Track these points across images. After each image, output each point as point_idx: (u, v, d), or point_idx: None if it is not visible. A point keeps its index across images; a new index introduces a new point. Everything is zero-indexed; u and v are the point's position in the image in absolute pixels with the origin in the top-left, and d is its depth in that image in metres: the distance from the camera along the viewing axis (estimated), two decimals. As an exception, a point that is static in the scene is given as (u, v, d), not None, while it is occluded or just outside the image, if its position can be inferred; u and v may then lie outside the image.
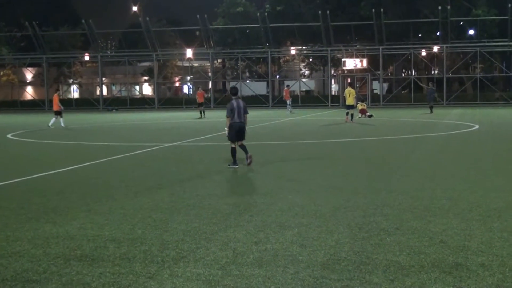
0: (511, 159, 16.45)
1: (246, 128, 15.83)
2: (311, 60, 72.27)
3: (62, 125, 34.63)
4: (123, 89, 76.44)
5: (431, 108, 43.63)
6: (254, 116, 43.82)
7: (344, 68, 61.89)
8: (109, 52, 77.89)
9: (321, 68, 72.33)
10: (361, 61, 59.88)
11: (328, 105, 60.33)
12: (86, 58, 71.54)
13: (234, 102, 15.47)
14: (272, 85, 67.05)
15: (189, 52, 64.86)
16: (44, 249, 7.70)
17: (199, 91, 45.79)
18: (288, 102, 48.89)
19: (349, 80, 50.08)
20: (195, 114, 46.50)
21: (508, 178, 13.05)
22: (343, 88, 62.20)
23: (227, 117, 15.61)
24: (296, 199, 10.77)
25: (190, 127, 33.16)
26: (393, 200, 10.48)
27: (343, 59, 61.78)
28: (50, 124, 34.97)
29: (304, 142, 22.62)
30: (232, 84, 69.79)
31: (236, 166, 15.47)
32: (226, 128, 15.88)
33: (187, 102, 66.32)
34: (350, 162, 16.57)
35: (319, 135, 25.64)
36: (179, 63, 73.06)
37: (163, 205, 10.54)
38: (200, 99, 43.98)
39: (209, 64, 69.38)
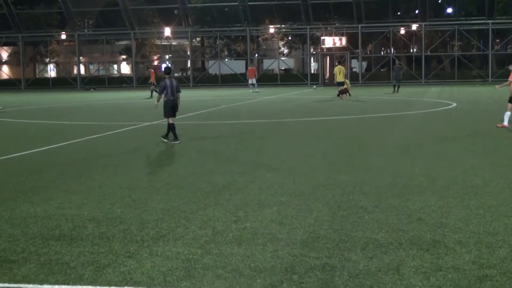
0: (487, 137, 16.59)
1: (179, 106, 16.64)
2: (290, 38, 72.03)
3: None
4: (101, 68, 75.79)
5: (397, 87, 41.17)
6: (233, 94, 43.72)
7: (323, 46, 61.77)
8: (86, 30, 76.98)
9: (300, 46, 72.13)
10: (340, 40, 59.81)
11: (307, 84, 60.29)
12: (63, 36, 70.58)
13: (167, 81, 16.30)
14: (251, 64, 66.85)
15: (167, 31, 64.27)
16: (22, 229, 7.64)
17: (151, 70, 45.67)
18: (252, 81, 47.92)
19: (338, 60, 49.81)
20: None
21: (485, 155, 13.17)
22: (322, 67, 62.28)
23: (159, 94, 16.64)
24: (275, 178, 10.78)
25: (169, 106, 32.94)
26: (372, 178, 10.54)
27: (322, 38, 61.63)
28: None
29: (283, 121, 22.63)
30: (211, 63, 69.56)
31: (178, 142, 16.06)
32: (156, 103, 17.16)
33: (165, 81, 65.81)
34: (329, 140, 16.61)
35: (298, 114, 25.65)
36: (157, 42, 72.48)
37: (142, 184, 10.50)
38: (152, 79, 43.76)
39: (187, 42, 68.90)
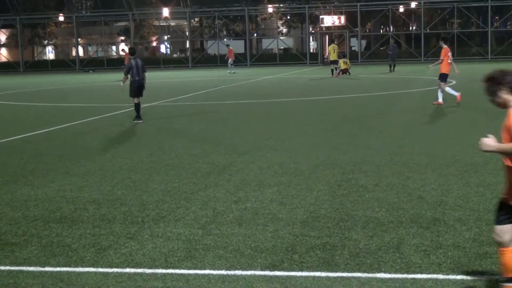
0: (487, 115, 16.55)
1: (145, 85, 17.17)
2: (289, 17, 71.65)
3: None
4: (100, 49, 75.49)
5: (393, 66, 39.95)
6: (232, 75, 43.58)
7: (322, 25, 61.45)
8: (84, 12, 76.58)
9: (299, 25, 71.79)
10: (339, 18, 59.47)
11: (306, 63, 60.10)
12: (61, 18, 70.24)
13: (133, 62, 16.82)
14: (250, 44, 66.55)
15: (165, 11, 63.92)
16: (23, 212, 7.66)
17: (126, 52, 45.59)
18: (230, 61, 47.05)
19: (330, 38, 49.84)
20: (173, 74, 46.14)
21: (485, 133, 13.08)
22: (321, 46, 61.99)
23: (124, 75, 17.08)
24: (275, 157, 10.79)
25: (167, 87, 32.92)
26: (372, 157, 10.54)
27: (321, 16, 61.28)
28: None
29: (283, 101, 22.58)
30: (210, 43, 69.27)
31: (141, 121, 16.63)
32: (122, 84, 17.73)
33: (164, 62, 65.73)
34: (329, 119, 16.60)
35: (297, 93, 25.58)
36: (156, 23, 72.10)
37: (142, 165, 10.51)
38: (126, 61, 43.63)
39: (186, 23, 68.56)
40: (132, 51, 17.55)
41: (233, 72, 45.58)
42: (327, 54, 60.03)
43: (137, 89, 16.79)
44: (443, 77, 19.15)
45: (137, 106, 16.83)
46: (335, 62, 37.98)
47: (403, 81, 31.10)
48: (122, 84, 17.65)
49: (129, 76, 16.84)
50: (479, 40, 65.01)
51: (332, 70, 37.57)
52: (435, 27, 64.50)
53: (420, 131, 13.72)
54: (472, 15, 62.83)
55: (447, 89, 19.14)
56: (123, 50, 48.87)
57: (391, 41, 45.70)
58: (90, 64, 66.23)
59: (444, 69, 19.19)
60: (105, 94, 29.45)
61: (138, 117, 16.79)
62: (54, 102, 25.40)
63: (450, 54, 19.38)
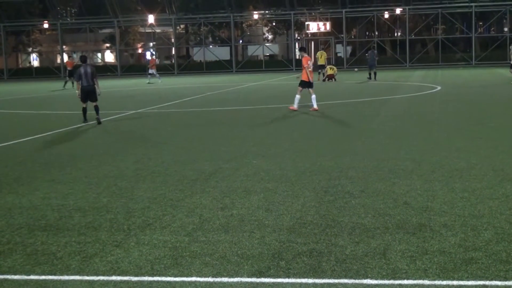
0: (472, 120, 16.68)
1: (98, 91, 18.56)
2: (274, 24, 71.84)
3: None
4: (85, 56, 75.26)
5: (373, 73, 37.97)
6: (218, 81, 43.59)
7: (307, 31, 61.64)
8: (69, 19, 76.32)
9: (285, 32, 71.98)
10: (325, 25, 59.69)
11: (292, 69, 60.22)
12: (46, 25, 69.99)
13: (82, 69, 18.17)
14: (235, 50, 66.62)
15: (151, 18, 63.86)
16: (7, 220, 7.60)
17: (69, 60, 45.65)
18: (152, 71, 45.40)
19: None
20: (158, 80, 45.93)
21: (469, 139, 13.24)
22: (308, 52, 62.06)
23: (77, 81, 18.67)
24: (261, 164, 10.79)
25: (153, 94, 32.86)
26: (358, 163, 10.57)
27: (306, 23, 61.48)
28: None
29: (268, 107, 22.60)
30: (196, 50, 69.24)
31: (85, 123, 17.97)
32: (77, 91, 19.16)
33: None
34: (315, 125, 16.63)
35: (284, 100, 25.58)
36: (141, 30, 72.02)
37: (128, 172, 10.47)
38: (69, 66, 43.70)
39: (171, 30, 68.53)
40: (83, 59, 18.70)
41: (160, 81, 44.18)
42: (312, 60, 60.37)
43: (86, 94, 18.19)
44: (303, 84, 20.65)
45: (84, 110, 18.37)
46: (322, 67, 40.04)
47: (389, 87, 31.23)
48: (77, 91, 19.05)
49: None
50: (463, 46, 65.49)
51: (319, 73, 39.08)
52: (420, 33, 64.87)
53: (406, 136, 13.78)
54: (457, 21, 63.29)
55: (297, 97, 20.50)
56: (70, 57, 50.31)
57: (371, 47, 45.34)
58: (76, 71, 65.91)
59: (304, 76, 20.57)
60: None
61: (84, 120, 18.39)
62: (39, 110, 25.26)
63: (310, 62, 20.72)
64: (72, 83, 40.64)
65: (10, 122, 20.84)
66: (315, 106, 20.35)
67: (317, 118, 18.56)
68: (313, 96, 20.45)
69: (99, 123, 18.13)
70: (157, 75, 45.41)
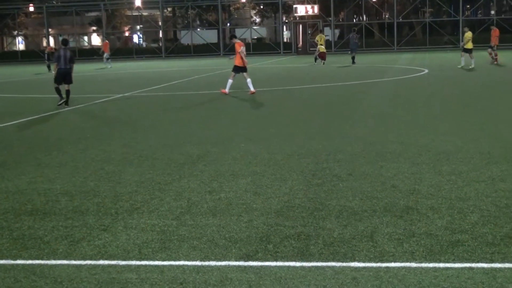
0: (458, 103, 16.73)
1: (73, 74, 18.98)
2: (262, 7, 71.61)
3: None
4: (71, 40, 74.67)
5: (353, 58, 37.65)
6: (206, 65, 43.44)
7: (295, 14, 61.48)
8: (54, 2, 75.63)
9: (273, 15, 71.81)
10: (313, 8, 59.57)
11: (280, 52, 60.12)
12: (31, 9, 69.39)
13: (61, 51, 18.72)
14: (223, 33, 66.38)
15: (138, 1, 63.43)
16: (-6, 205, 7.55)
17: (49, 46, 45.47)
18: (106, 55, 45.21)
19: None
20: (146, 64, 45.85)
21: (456, 121, 13.28)
22: (295, 35, 61.96)
23: (54, 63, 19.09)
24: (249, 147, 10.78)
25: (141, 77, 32.70)
26: (345, 146, 10.58)
27: (294, 6, 61.35)
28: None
29: (256, 90, 22.53)
30: (183, 33, 68.91)
31: (63, 100, 18.51)
32: (53, 71, 20.22)
33: (137, 52, 65.34)
34: (303, 109, 16.62)
35: (271, 83, 25.58)
36: (128, 13, 71.56)
37: (115, 156, 10.43)
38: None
39: (159, 13, 68.14)
40: (64, 42, 19.41)
41: (110, 67, 44.00)
42: (300, 44, 60.24)
43: (60, 76, 18.61)
44: (237, 69, 21.09)
45: (57, 90, 18.69)
46: (323, 55, 38.82)
47: (376, 70, 31.25)
48: (53, 71, 19.96)
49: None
50: (451, 29, 65.58)
51: (315, 58, 38.96)
52: (408, 16, 64.89)
53: (393, 120, 13.80)
54: (444, 4, 63.31)
55: (229, 81, 20.99)
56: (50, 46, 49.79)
57: (352, 30, 44.64)
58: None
59: (238, 61, 20.99)
60: (77, 85, 29.09)
61: (60, 98, 18.61)
62: (25, 93, 25.08)
63: (243, 47, 21.10)
64: (49, 66, 40.27)
65: (-4, 106, 20.67)
66: (252, 89, 20.60)
67: (304, 101, 18.55)
68: (249, 80, 20.73)
69: (67, 104, 18.56)
70: (109, 60, 45.27)
